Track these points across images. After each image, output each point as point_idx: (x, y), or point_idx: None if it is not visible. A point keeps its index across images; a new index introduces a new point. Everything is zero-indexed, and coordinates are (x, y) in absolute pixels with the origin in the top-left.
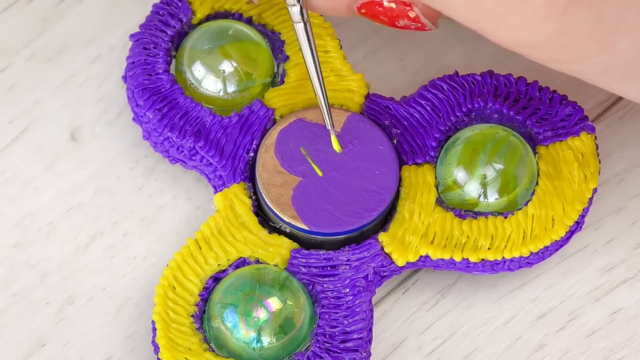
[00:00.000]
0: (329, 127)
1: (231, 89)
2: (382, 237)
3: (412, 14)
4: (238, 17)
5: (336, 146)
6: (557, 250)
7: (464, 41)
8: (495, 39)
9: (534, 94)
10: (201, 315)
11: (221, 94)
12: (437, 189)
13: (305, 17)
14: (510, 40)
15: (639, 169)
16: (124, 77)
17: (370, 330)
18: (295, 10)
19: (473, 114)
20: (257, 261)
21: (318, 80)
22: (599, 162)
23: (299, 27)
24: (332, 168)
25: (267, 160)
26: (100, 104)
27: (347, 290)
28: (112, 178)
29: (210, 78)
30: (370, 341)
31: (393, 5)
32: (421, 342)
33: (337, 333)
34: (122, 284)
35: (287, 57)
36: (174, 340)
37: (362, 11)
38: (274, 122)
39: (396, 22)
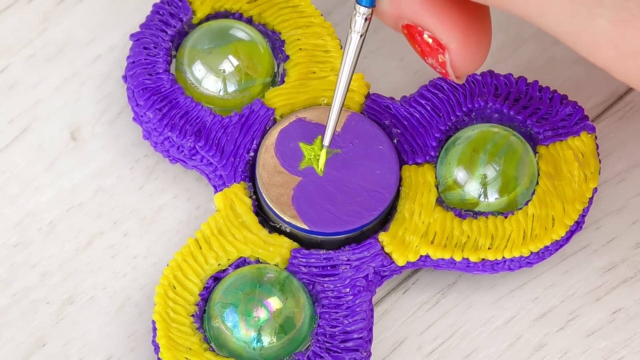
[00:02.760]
0: (326, 143)
1: (231, 88)
2: (383, 236)
3: (440, 58)
4: (238, 16)
5: (321, 165)
6: (557, 250)
7: None
8: (621, 77)
9: (534, 94)
10: (201, 315)
11: (221, 93)
12: (438, 189)
13: (365, 30)
14: (636, 78)
15: (639, 168)
16: (124, 77)
17: (370, 329)
18: (361, 22)
19: (473, 113)
20: (258, 261)
21: (343, 95)
22: (599, 161)
23: (356, 38)
24: (332, 168)
25: (267, 160)
26: (101, 103)
27: (348, 290)
28: (113, 178)
29: (211, 78)
30: (370, 341)
31: (430, 40)
32: (421, 341)
33: (337, 333)
34: (122, 283)
35: (287, 57)
36: (174, 339)
37: (404, 31)
38: (274, 121)
39: (425, 58)
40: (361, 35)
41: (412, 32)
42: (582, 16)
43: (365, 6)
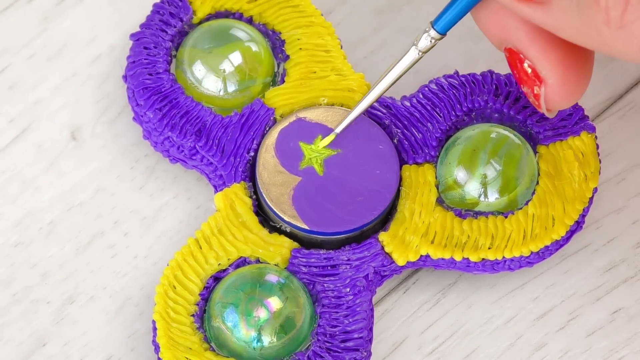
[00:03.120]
0: (339, 130)
1: (231, 88)
2: (383, 236)
3: (536, 90)
4: (238, 16)
5: (325, 142)
6: (557, 249)
7: (463, 41)
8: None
9: None
10: (202, 315)
11: (221, 93)
12: (438, 189)
13: (426, 50)
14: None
15: (639, 168)
16: (125, 77)
17: (370, 329)
18: (426, 42)
19: (473, 113)
20: (258, 261)
21: (374, 98)
22: (599, 161)
23: (414, 52)
24: (332, 168)
25: (267, 160)
26: (101, 103)
27: (348, 289)
28: (113, 177)
29: (211, 77)
30: (370, 340)
31: (529, 70)
32: (422, 341)
33: (337, 332)
34: (122, 283)
35: (288, 57)
36: (175, 339)
37: (506, 54)
38: (275, 121)
39: (521, 85)
40: (420, 52)
41: (513, 57)
42: None
43: (437, 31)
